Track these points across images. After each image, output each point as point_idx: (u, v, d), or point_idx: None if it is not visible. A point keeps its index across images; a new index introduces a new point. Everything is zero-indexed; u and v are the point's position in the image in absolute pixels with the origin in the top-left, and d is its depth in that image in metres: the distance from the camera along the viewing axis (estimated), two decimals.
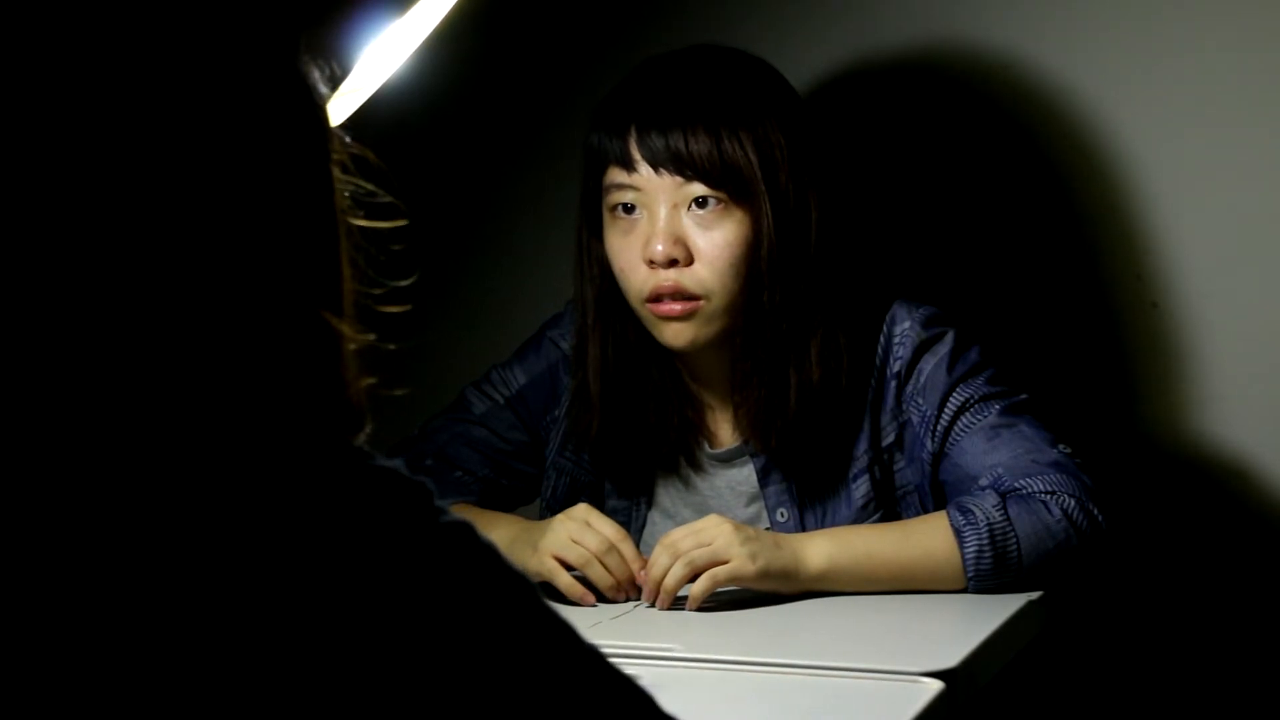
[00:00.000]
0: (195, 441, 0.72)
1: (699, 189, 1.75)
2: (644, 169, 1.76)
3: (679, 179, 1.75)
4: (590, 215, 1.84)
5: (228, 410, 0.73)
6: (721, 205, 1.75)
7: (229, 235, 0.74)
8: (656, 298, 1.77)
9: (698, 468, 1.88)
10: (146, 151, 0.71)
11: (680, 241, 1.76)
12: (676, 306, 1.76)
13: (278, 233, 0.77)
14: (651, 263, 1.76)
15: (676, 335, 1.78)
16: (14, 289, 0.69)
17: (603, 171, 1.80)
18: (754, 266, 1.77)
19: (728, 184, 1.75)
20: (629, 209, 1.78)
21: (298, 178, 0.79)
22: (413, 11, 1.45)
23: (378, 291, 0.91)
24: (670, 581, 1.68)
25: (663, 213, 1.75)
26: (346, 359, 0.82)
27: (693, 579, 1.68)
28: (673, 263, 1.75)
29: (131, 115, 0.71)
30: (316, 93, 0.83)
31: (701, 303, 1.77)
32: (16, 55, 0.70)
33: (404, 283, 0.97)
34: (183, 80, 0.73)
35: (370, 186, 0.88)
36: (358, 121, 1.56)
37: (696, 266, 1.76)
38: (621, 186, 1.77)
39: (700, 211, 1.76)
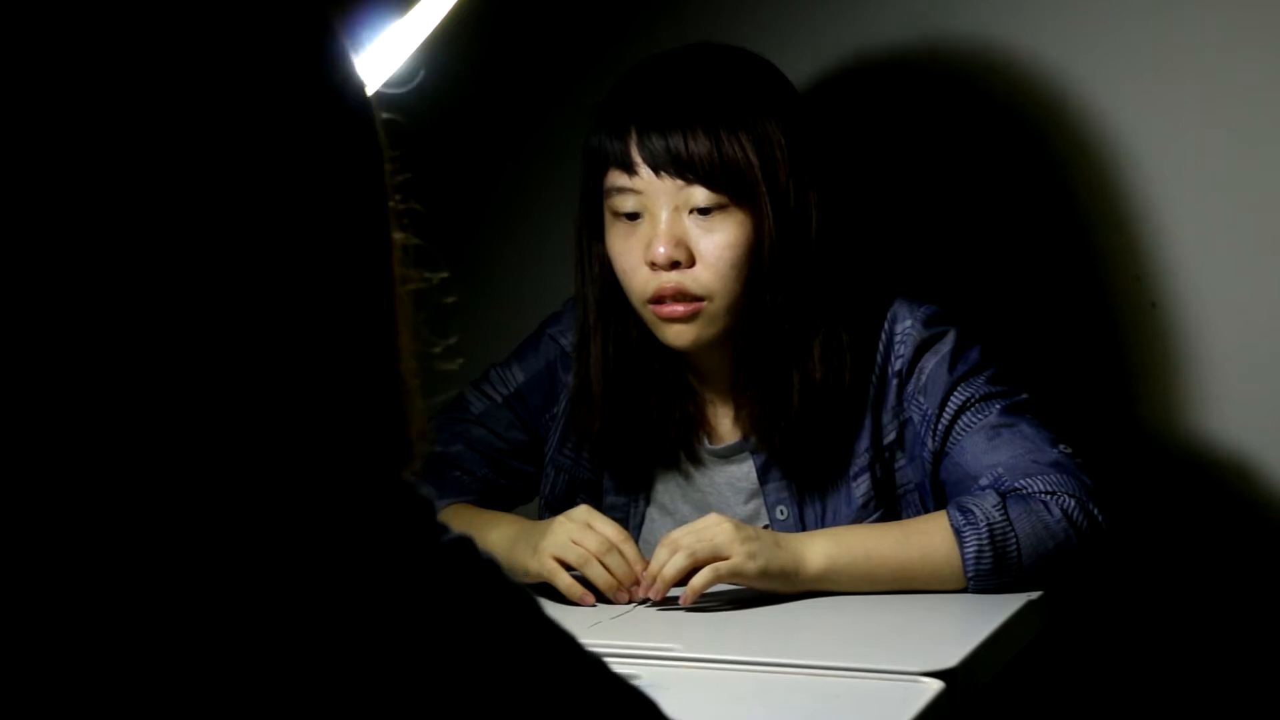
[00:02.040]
0: (219, 454, 0.73)
1: (700, 190, 1.75)
2: (645, 172, 1.76)
3: (680, 181, 1.75)
4: (590, 215, 1.84)
5: (262, 435, 0.74)
6: (723, 207, 1.75)
7: (289, 267, 0.75)
8: (659, 299, 1.77)
9: (697, 463, 1.88)
10: (207, 186, 0.72)
11: (682, 243, 1.76)
12: (679, 308, 1.77)
13: (335, 267, 0.79)
14: (653, 265, 1.76)
15: (679, 336, 1.78)
16: (68, 326, 0.70)
17: (603, 173, 1.80)
18: (755, 267, 1.77)
19: (728, 186, 1.75)
20: (632, 213, 1.78)
21: (356, 205, 0.81)
22: (413, 11, 1.45)
23: (437, 350, 0.92)
24: (669, 571, 1.67)
25: (664, 215, 1.76)
26: (407, 393, 0.82)
27: (692, 574, 1.68)
28: (674, 265, 1.75)
29: (194, 148, 0.72)
30: (377, 123, 0.85)
31: (704, 304, 1.77)
32: (52, 82, 0.70)
33: (450, 340, 0.97)
34: (240, 107, 0.74)
35: (417, 241, 0.88)
36: None
37: (698, 268, 1.76)
38: (623, 190, 1.77)
39: (702, 212, 1.76)
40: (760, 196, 1.75)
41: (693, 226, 1.76)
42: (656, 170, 1.75)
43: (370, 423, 0.79)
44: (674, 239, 1.75)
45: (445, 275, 0.93)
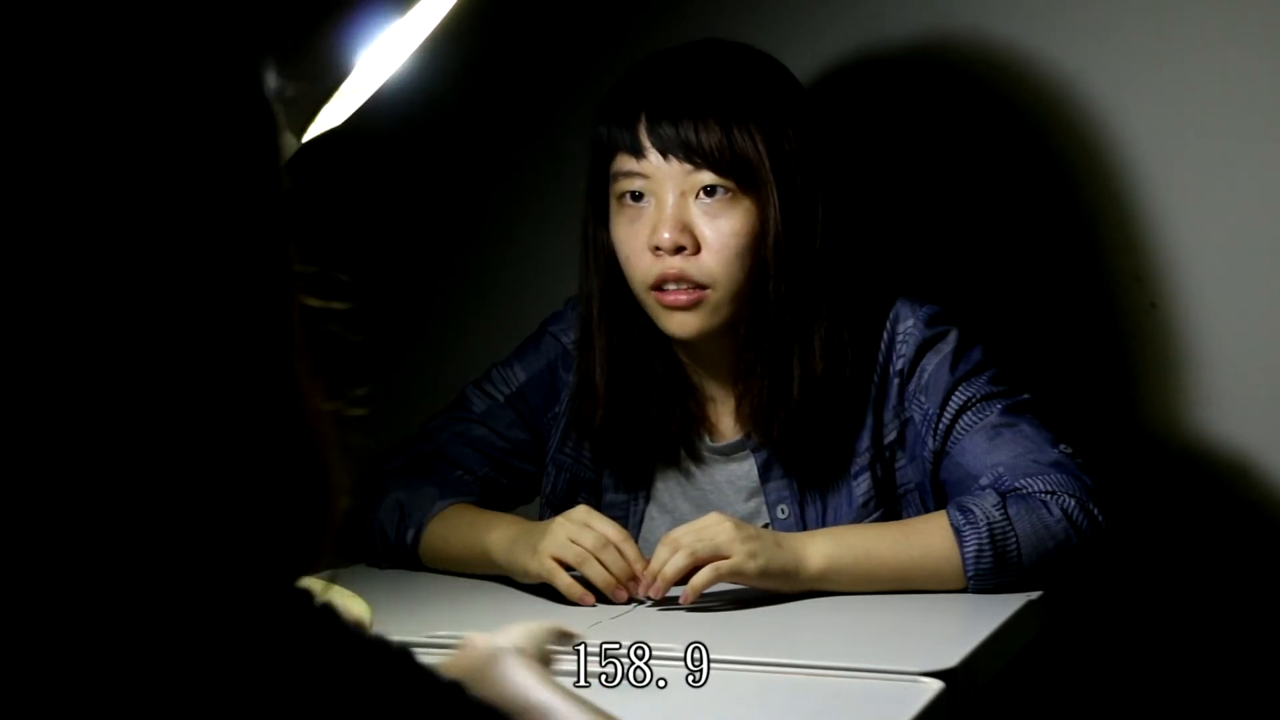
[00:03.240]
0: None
1: (707, 177, 1.75)
2: (653, 156, 1.76)
3: (688, 166, 1.75)
4: (597, 205, 1.84)
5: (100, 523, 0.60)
6: (729, 194, 1.76)
7: (153, 279, 0.61)
8: (661, 285, 1.77)
9: (698, 460, 1.89)
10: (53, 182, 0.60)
11: (687, 229, 1.76)
12: (682, 296, 1.77)
13: (215, 277, 0.64)
14: (657, 250, 1.76)
15: (681, 325, 1.79)
16: None
17: (610, 160, 1.80)
18: (760, 256, 1.77)
19: (736, 173, 1.75)
20: (637, 196, 1.78)
21: (243, 205, 0.66)
22: (413, 11, 1.45)
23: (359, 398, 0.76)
24: (670, 570, 1.67)
25: (670, 200, 1.76)
26: (320, 448, 0.68)
27: (692, 573, 1.68)
28: (679, 250, 1.76)
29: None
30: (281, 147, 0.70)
31: (707, 292, 1.77)
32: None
33: (360, 390, 0.75)
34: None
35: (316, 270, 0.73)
36: (358, 122, 1.56)
37: (703, 255, 1.76)
38: (630, 174, 1.78)
39: (708, 200, 1.76)
40: (767, 186, 1.75)
41: (699, 213, 1.76)
42: (665, 154, 1.75)
43: (262, 501, 0.64)
44: (679, 224, 1.75)
45: (348, 306, 0.72)
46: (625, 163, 1.78)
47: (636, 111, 1.77)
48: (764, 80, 1.80)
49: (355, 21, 1.43)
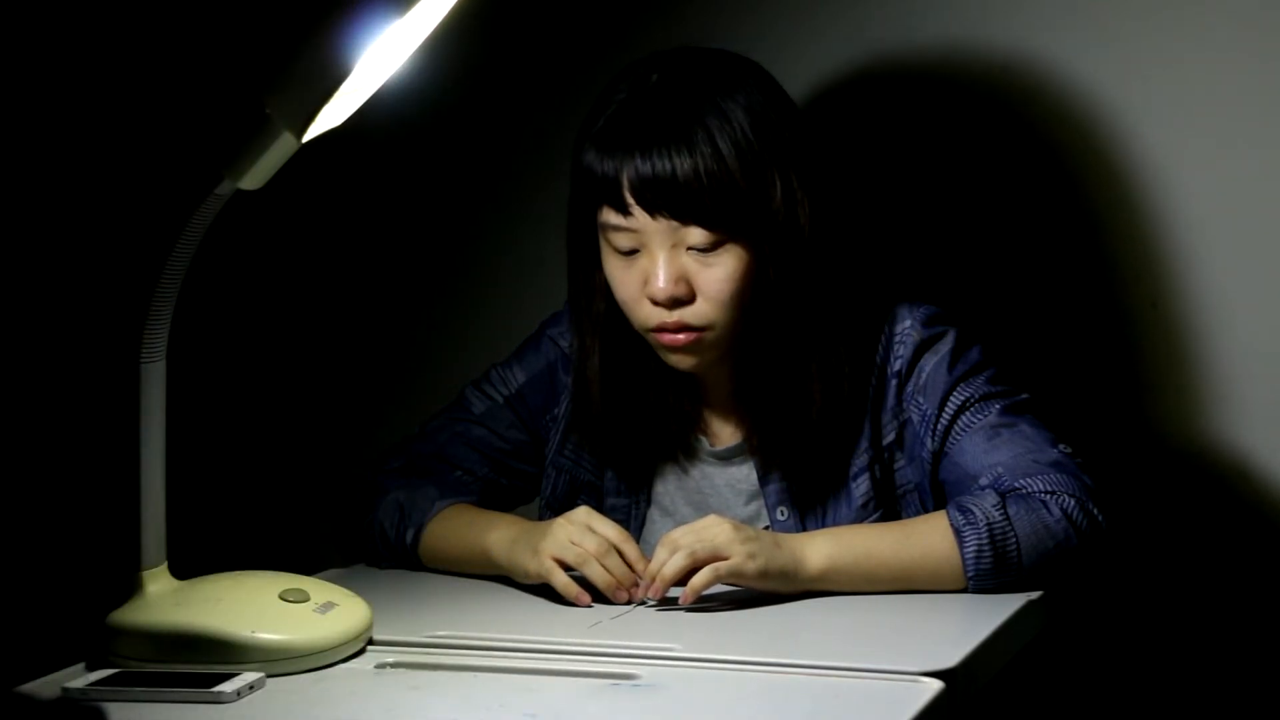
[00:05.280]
0: None
1: (696, 231, 1.74)
2: (639, 213, 1.74)
3: (675, 223, 1.74)
4: (584, 238, 1.82)
5: None
6: (721, 242, 1.75)
7: None
8: (659, 328, 1.77)
9: (698, 464, 1.89)
10: None
11: (682, 279, 1.75)
12: (680, 337, 1.76)
13: None
14: (654, 300, 1.75)
15: (680, 361, 1.79)
16: None
17: (596, 205, 1.78)
18: (756, 296, 1.77)
19: (725, 224, 1.74)
20: (629, 250, 1.77)
21: None
22: (413, 11, 1.45)
23: None
24: (669, 570, 1.67)
25: (662, 255, 1.74)
26: None
27: (692, 574, 1.68)
28: (675, 302, 1.75)
29: None
30: None
31: (705, 333, 1.77)
32: None
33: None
34: None
35: None
36: (358, 121, 1.56)
37: (699, 302, 1.75)
38: (618, 228, 1.76)
39: (699, 249, 1.75)
40: (757, 227, 1.74)
41: (691, 261, 1.75)
42: (652, 213, 1.74)
43: None
44: (674, 277, 1.75)
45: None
46: (612, 216, 1.76)
47: (618, 167, 1.74)
48: (743, 111, 1.74)
49: (355, 21, 1.43)
